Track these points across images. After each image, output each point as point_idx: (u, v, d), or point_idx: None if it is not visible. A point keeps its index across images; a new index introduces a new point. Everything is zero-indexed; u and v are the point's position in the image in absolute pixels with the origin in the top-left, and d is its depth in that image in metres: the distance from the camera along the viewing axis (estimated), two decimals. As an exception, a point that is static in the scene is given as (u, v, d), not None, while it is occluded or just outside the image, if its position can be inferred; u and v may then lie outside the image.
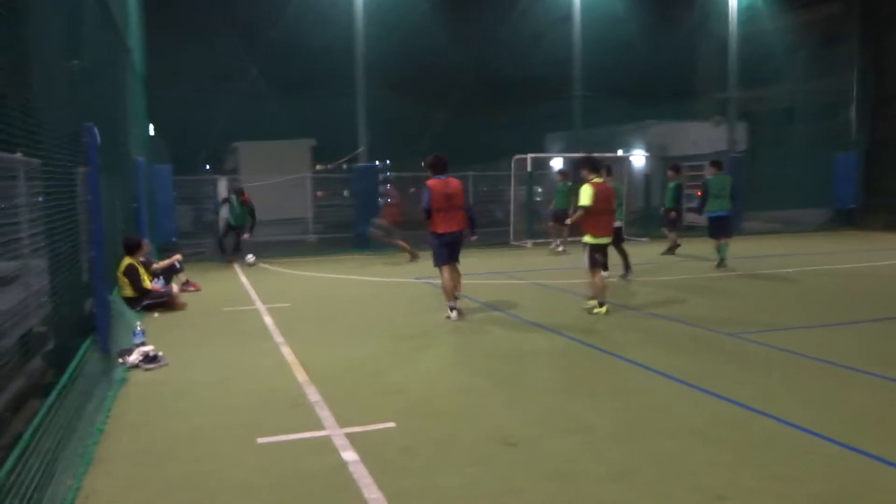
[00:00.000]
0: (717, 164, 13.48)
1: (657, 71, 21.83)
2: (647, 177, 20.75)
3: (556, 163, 22.59)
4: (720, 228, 12.86)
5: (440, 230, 8.54)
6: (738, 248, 13.93)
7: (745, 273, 12.40)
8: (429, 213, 8.53)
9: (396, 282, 12.16)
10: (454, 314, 8.67)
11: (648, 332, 8.06)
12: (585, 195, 8.67)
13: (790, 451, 4.45)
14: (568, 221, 8.81)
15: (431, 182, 8.58)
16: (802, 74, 23.81)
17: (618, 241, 11.72)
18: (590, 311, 8.93)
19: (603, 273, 9.83)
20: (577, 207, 8.92)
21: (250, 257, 14.94)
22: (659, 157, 22.65)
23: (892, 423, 4.95)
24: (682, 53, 23.30)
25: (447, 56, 19.98)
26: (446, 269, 8.68)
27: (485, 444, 4.65)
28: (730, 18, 21.73)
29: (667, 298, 10.25)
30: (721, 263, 12.78)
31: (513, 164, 19.24)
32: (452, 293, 8.72)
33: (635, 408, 5.36)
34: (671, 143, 24.26)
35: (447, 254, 8.65)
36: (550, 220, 16.88)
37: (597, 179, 8.84)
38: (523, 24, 20.82)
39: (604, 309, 8.83)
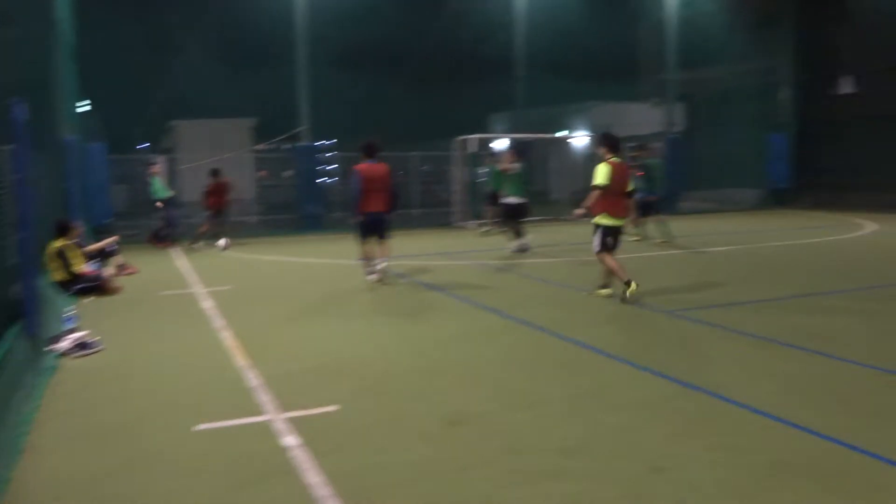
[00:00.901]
0: (649, 149, 14.28)
1: (599, 52, 22.06)
2: (591, 157, 21.04)
3: (500, 144, 22.65)
4: (655, 208, 13.86)
5: (366, 209, 9.38)
6: (676, 226, 14.27)
7: (681, 251, 12.71)
8: (358, 193, 9.34)
9: (339, 263, 12.05)
10: (374, 276, 9.73)
11: (589, 310, 8.19)
12: (601, 174, 8.17)
13: (726, 423, 4.59)
14: (581, 208, 8.31)
15: (360, 166, 9.40)
16: (739, 56, 24.39)
17: (518, 216, 12.81)
18: (603, 293, 8.62)
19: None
20: (591, 187, 8.27)
21: (223, 242, 14.25)
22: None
23: (820, 395, 5.15)
24: (622, 35, 23.60)
25: (391, 36, 19.74)
26: (366, 243, 9.70)
27: (434, 423, 4.65)
28: (668, 0, 22.07)
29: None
30: (670, 239, 13.68)
31: (456, 145, 19.23)
32: (371, 261, 9.75)
33: (581, 385, 5.44)
34: (613, 124, 24.57)
35: (368, 231, 9.58)
36: (486, 202, 17.02)
37: (614, 159, 8.32)
38: (468, 4, 20.70)
39: (606, 292, 8.58)
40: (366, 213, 9.38)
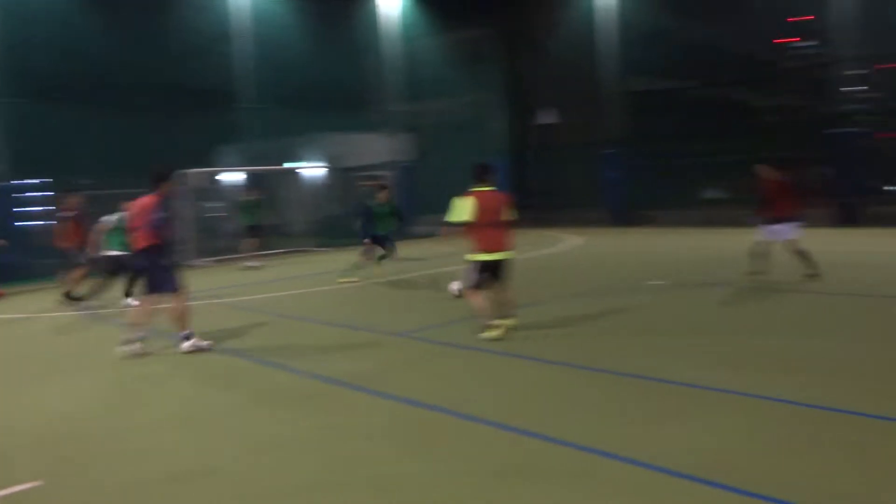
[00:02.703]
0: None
1: (329, 85, 22.37)
2: (324, 187, 21.25)
3: (232, 177, 21.92)
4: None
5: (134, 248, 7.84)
6: (409, 251, 14.85)
7: (401, 277, 13.27)
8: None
9: (44, 318, 10.73)
10: (132, 348, 7.70)
11: (330, 341, 8.18)
12: (461, 208, 7.54)
13: (460, 436, 4.84)
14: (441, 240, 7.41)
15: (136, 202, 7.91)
16: (458, 89, 26.35)
17: (121, 269, 10.48)
18: (486, 336, 7.59)
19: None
20: (444, 222, 7.71)
21: (455, 285, 10.34)
22: (335, 169, 23.32)
23: (539, 401, 5.66)
24: (351, 68, 24.21)
25: (102, 67, 18.12)
26: (148, 298, 7.82)
27: (158, 481, 4.31)
28: (382, 36, 23.20)
29: (332, 306, 10.60)
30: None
31: (184, 180, 18.21)
32: (140, 325, 7.79)
33: (320, 420, 5.39)
34: (346, 155, 25.09)
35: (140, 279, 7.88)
36: (242, 237, 16.36)
37: (482, 188, 7.67)
38: (188, 35, 19.81)
39: (499, 332, 7.59)
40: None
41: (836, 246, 13.35)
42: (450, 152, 27.12)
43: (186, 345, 7.72)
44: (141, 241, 7.63)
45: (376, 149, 24.13)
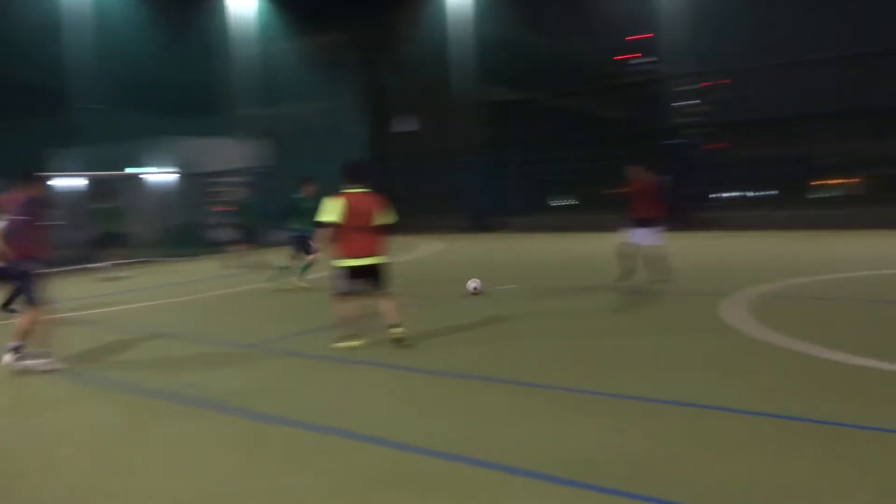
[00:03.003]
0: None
1: (178, 86, 21.37)
2: (174, 194, 20.26)
3: (70, 183, 20.37)
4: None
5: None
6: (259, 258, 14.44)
7: (262, 286, 12.92)
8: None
9: None
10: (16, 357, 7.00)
11: (181, 355, 7.76)
12: (328, 209, 7.11)
13: (325, 451, 4.73)
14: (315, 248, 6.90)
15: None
16: (318, 94, 26.06)
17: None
18: (344, 346, 7.40)
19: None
20: (315, 223, 7.28)
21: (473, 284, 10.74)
22: (185, 174, 22.31)
23: (405, 410, 5.67)
24: (203, 70, 23.27)
25: None
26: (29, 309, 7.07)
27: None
28: (235, 37, 22.52)
29: (197, 318, 10.14)
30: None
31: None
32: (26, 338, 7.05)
33: (180, 439, 5.08)
34: (197, 160, 24.08)
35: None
36: (97, 246, 15.13)
37: (354, 190, 7.21)
38: (16, 28, 18.18)
39: (356, 343, 7.40)
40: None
41: (678, 248, 14.44)
42: (308, 159, 26.71)
43: (30, 363, 7.00)
44: (10, 246, 6.88)
45: (229, 154, 23.30)
